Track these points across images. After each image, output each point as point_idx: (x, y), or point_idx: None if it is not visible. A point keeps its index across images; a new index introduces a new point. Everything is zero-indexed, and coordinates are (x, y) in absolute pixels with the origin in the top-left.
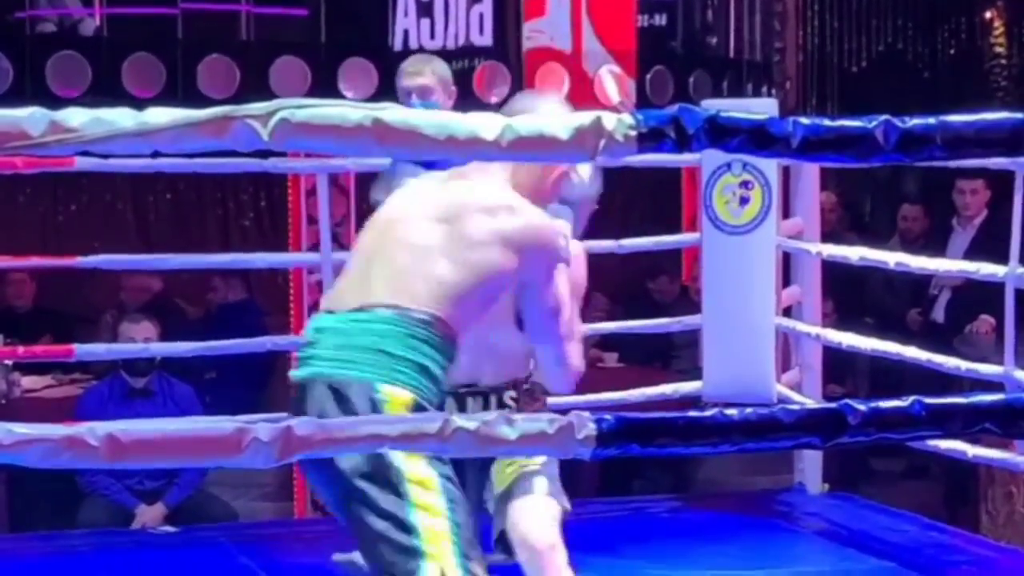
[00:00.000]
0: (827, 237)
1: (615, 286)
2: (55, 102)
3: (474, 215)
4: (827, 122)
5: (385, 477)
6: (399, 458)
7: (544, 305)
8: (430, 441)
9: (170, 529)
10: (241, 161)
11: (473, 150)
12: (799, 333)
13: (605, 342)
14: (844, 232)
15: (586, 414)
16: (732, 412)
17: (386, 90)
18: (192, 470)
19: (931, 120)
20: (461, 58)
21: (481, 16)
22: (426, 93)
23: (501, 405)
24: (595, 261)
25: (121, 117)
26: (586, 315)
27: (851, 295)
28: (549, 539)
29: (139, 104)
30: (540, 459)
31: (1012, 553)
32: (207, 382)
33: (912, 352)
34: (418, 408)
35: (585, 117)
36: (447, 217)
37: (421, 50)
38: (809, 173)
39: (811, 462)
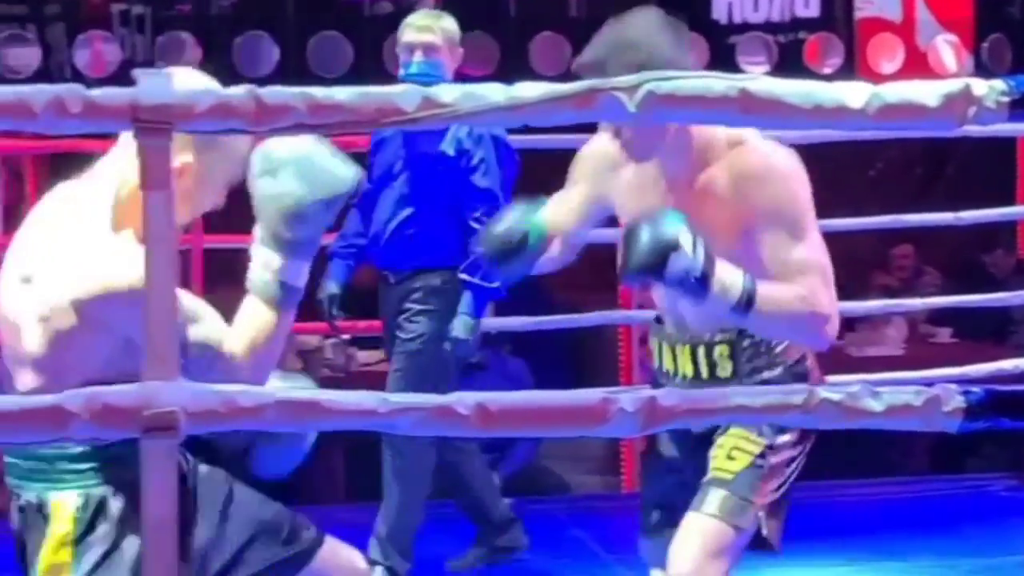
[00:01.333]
0: None
1: (948, 260)
2: (391, 82)
3: (54, 268)
4: None
5: None
6: None
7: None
8: (794, 412)
9: (504, 500)
10: None
11: (839, 119)
12: None
13: (938, 317)
14: None
15: (953, 387)
16: None
17: (715, 65)
18: (527, 442)
19: None
20: (788, 31)
21: None
22: (432, 51)
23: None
24: (930, 235)
25: (492, 92)
26: (919, 289)
27: None
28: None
29: (473, 83)
30: (738, 466)
31: None
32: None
33: None
34: None
35: (954, 84)
36: (29, 273)
37: (745, 24)
38: None
39: None
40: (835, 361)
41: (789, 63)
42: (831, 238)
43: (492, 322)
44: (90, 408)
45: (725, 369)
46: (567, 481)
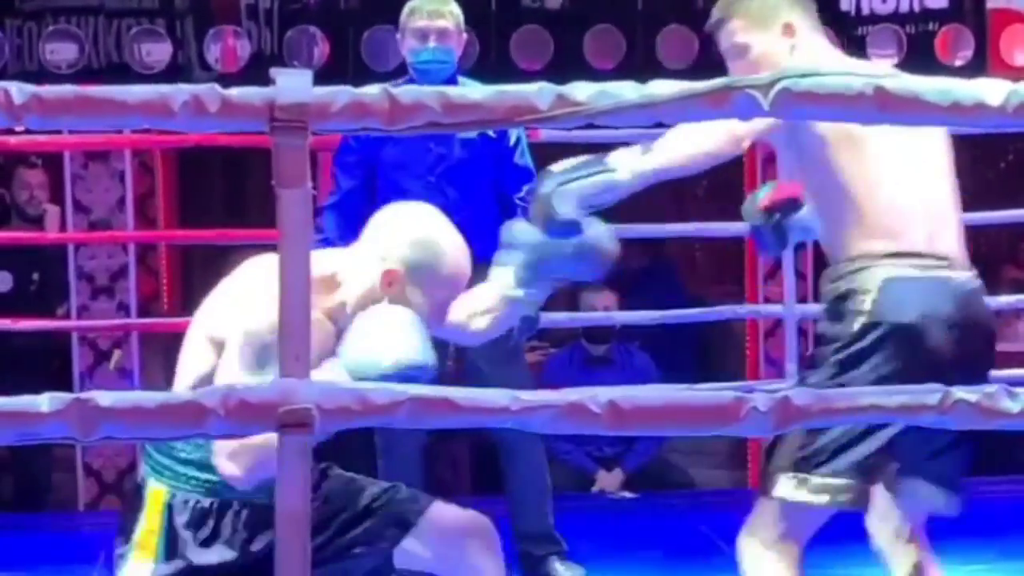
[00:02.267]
0: None
1: None
2: (518, 76)
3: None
4: None
5: None
6: None
7: None
8: (929, 413)
9: (628, 495)
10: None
11: (978, 116)
12: None
13: None
14: None
15: None
16: None
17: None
18: (650, 436)
19: None
20: (918, 22)
21: None
22: (444, 37)
23: None
24: None
25: (626, 89)
26: None
27: None
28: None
29: (600, 77)
30: None
31: None
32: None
33: None
34: None
35: None
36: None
37: (873, 15)
38: None
39: None
40: None
41: (919, 55)
42: None
43: (620, 316)
44: (226, 404)
45: None
46: (692, 476)
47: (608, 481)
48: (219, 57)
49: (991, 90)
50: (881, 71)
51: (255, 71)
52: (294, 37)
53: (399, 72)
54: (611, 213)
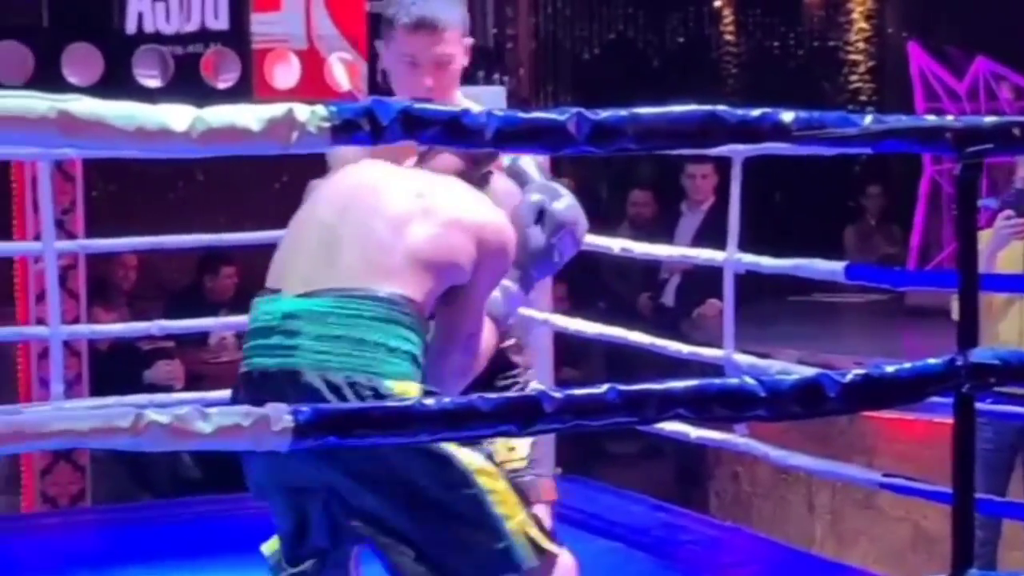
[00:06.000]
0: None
1: None
2: None
3: (447, 193)
4: (520, 114)
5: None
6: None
7: (475, 312)
8: (120, 436)
9: None
10: None
11: (162, 143)
12: (529, 318)
13: None
14: None
15: (282, 405)
16: (430, 402)
17: (113, 76)
18: None
19: (623, 112)
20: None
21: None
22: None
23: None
24: None
25: None
26: None
27: (585, 279)
28: None
29: None
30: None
31: (735, 531)
32: None
33: (637, 336)
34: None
35: (278, 109)
36: (415, 192)
37: (157, 34)
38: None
39: (543, 446)
40: None
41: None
42: None
43: None
44: None
45: None
46: None
47: None
48: None
49: (176, 116)
50: None
51: None
52: None
53: None
54: None
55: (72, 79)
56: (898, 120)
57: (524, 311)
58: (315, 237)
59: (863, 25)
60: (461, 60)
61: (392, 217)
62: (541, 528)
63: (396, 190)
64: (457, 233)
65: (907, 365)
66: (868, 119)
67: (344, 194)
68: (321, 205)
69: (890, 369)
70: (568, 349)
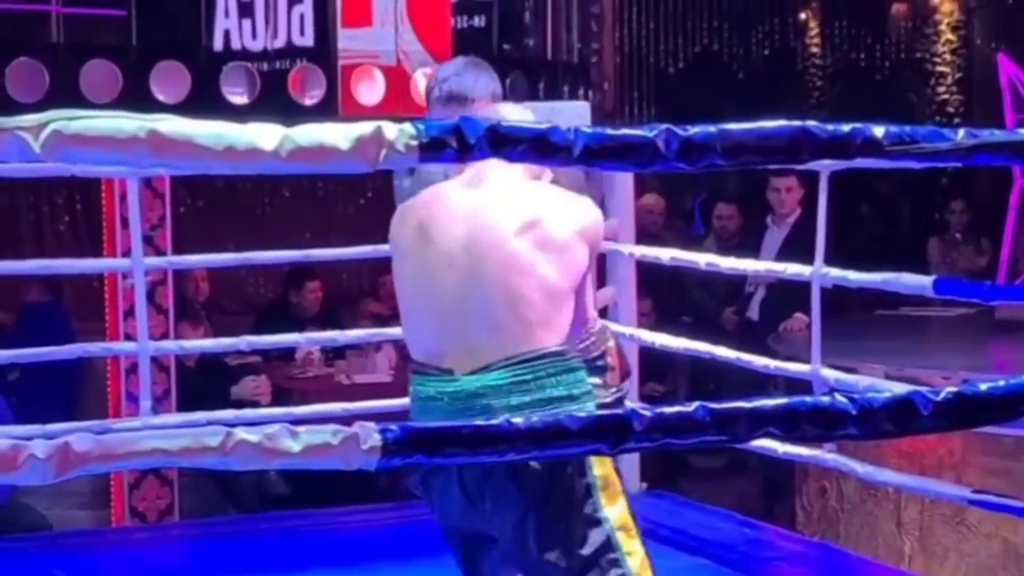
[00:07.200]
0: (652, 238)
1: None
2: None
3: (549, 211)
4: (609, 131)
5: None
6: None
7: (591, 285)
8: (209, 455)
9: None
10: (50, 165)
11: (253, 161)
12: (615, 333)
13: None
14: (664, 232)
15: (371, 424)
16: (518, 420)
17: (200, 94)
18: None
19: (712, 128)
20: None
21: (302, 17)
22: None
23: None
24: None
25: None
26: None
27: (670, 294)
28: None
29: None
30: None
31: (822, 547)
32: (11, 383)
33: (722, 351)
34: None
35: (366, 127)
36: (526, 224)
37: (244, 51)
38: (624, 174)
39: (628, 461)
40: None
41: (277, 93)
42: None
43: None
44: None
45: None
46: (47, 518)
47: None
48: None
49: (264, 135)
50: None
51: None
52: None
53: None
54: None
55: (160, 97)
56: (991, 134)
57: (611, 326)
58: (455, 299)
59: (950, 36)
60: None
61: (522, 266)
62: None
63: (510, 228)
64: (574, 247)
65: (1001, 382)
66: (960, 133)
67: (462, 241)
68: (443, 264)
69: (983, 387)
70: (653, 364)
